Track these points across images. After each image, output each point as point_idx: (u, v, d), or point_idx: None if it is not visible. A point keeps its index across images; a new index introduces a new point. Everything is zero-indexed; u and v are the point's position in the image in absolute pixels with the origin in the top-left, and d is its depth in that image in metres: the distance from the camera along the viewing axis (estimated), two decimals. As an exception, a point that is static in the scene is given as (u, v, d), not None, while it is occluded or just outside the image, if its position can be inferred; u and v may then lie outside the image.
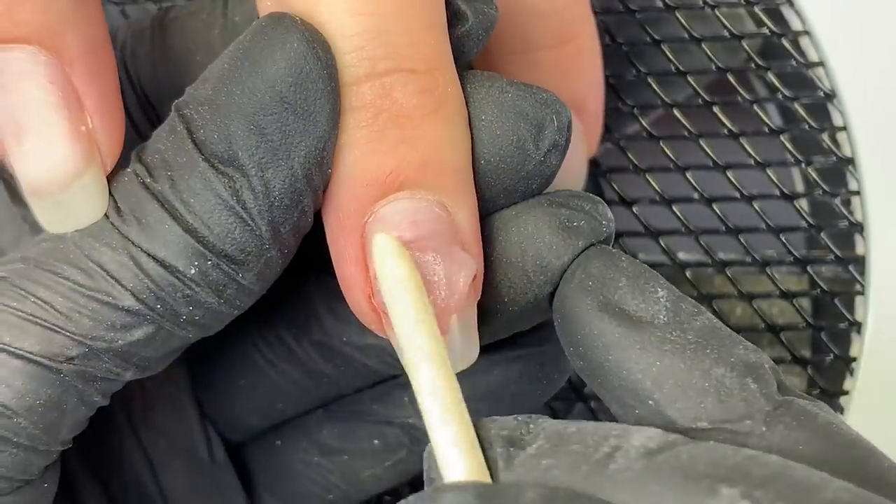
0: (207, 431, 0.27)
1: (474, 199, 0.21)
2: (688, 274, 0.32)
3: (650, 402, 0.19)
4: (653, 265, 0.32)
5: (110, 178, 0.21)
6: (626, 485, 0.17)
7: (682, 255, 0.32)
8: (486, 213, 0.21)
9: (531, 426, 0.19)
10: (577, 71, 0.29)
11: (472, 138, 0.21)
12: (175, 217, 0.20)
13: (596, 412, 0.32)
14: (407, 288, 0.20)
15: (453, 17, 0.21)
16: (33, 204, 0.20)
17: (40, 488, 0.21)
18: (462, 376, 0.20)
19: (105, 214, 0.20)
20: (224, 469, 0.27)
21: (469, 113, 0.21)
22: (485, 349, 0.22)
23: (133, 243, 0.20)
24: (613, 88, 0.32)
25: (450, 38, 0.21)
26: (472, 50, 0.22)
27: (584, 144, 0.30)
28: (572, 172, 0.30)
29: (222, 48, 0.21)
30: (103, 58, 0.21)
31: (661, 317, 0.19)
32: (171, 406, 0.26)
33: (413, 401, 0.26)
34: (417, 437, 0.26)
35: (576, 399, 0.32)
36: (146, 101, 0.25)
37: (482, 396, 0.24)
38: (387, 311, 0.20)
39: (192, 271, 0.20)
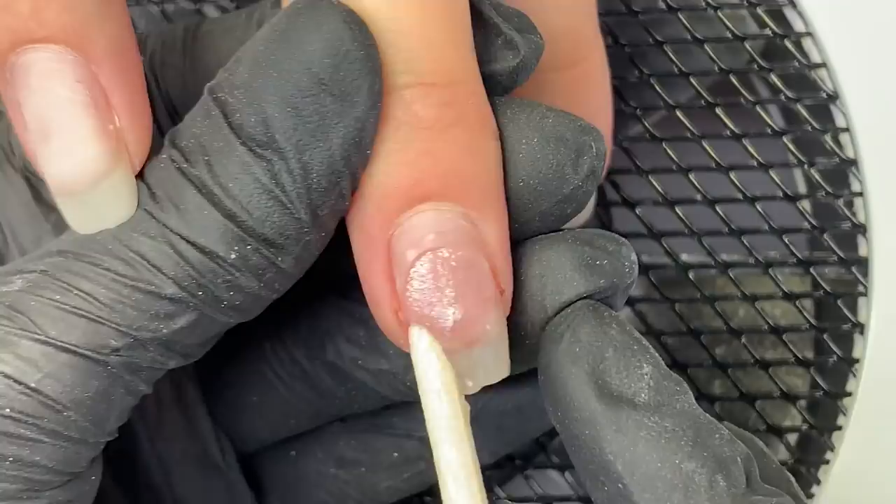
0: (220, 440, 0.27)
1: (503, 213, 0.21)
2: (690, 275, 0.32)
3: (619, 484, 0.19)
4: (656, 266, 0.32)
5: (143, 166, 0.21)
6: None
7: (684, 257, 0.32)
8: (519, 238, 0.21)
9: None
10: (585, 94, 0.28)
11: (511, 161, 0.21)
12: (214, 202, 0.20)
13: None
14: (443, 392, 0.20)
15: (507, 47, 0.21)
16: (61, 204, 0.20)
17: (88, 481, 0.21)
18: (492, 392, 0.20)
19: (140, 202, 0.20)
20: (236, 476, 0.27)
21: (508, 136, 0.21)
22: None
23: (172, 231, 0.20)
24: (616, 90, 0.32)
25: (504, 70, 0.21)
26: (524, 78, 0.22)
27: None
28: None
29: None
30: (130, 57, 0.21)
31: (643, 396, 0.19)
32: (184, 415, 0.26)
33: None
34: None
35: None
36: (175, 112, 0.25)
37: (510, 412, 0.24)
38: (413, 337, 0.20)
39: (233, 256, 0.20)
